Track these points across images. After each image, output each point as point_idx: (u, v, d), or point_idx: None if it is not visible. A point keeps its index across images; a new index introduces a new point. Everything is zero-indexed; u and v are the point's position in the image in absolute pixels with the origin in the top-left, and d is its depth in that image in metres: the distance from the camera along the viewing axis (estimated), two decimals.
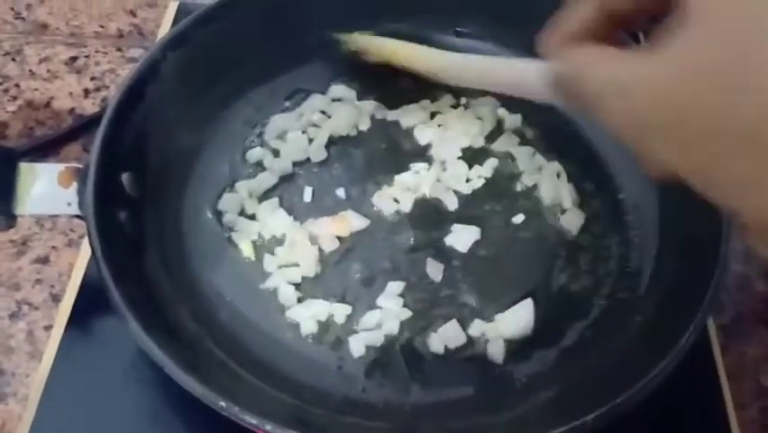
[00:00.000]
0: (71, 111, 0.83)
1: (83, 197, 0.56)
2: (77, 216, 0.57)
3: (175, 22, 0.84)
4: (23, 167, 0.57)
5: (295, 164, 0.70)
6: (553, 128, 0.72)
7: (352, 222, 0.65)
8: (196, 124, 0.70)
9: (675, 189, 0.61)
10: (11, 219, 0.57)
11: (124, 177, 0.61)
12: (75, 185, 0.57)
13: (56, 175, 0.57)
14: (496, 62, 0.62)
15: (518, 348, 0.60)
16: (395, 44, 0.69)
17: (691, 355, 0.52)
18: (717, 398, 0.62)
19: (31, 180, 0.57)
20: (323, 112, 0.73)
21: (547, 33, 0.43)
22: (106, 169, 0.58)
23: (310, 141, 0.71)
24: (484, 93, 0.72)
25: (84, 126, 0.80)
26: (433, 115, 0.73)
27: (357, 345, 0.59)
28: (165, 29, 0.83)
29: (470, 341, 0.60)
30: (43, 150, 0.78)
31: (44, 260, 0.71)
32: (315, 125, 0.72)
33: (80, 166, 0.58)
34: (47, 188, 0.57)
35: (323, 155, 0.70)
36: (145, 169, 0.63)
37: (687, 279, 0.58)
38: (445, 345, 0.59)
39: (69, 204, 0.57)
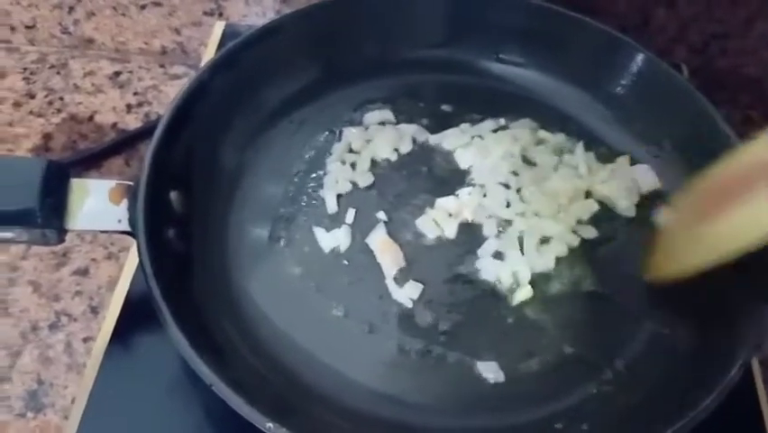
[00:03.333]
0: (114, 125, 0.84)
1: (133, 214, 0.57)
2: (127, 233, 0.57)
3: (221, 42, 0.85)
4: (75, 183, 0.58)
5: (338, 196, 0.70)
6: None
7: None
8: (241, 144, 0.71)
9: None
10: (62, 234, 0.57)
11: (173, 195, 0.62)
12: (125, 202, 0.58)
13: (107, 191, 0.58)
14: None
15: (558, 380, 0.60)
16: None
17: (734, 390, 0.52)
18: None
19: (82, 196, 0.57)
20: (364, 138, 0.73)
21: None
22: (156, 187, 0.59)
23: (353, 166, 0.71)
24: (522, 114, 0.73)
25: (126, 141, 0.82)
26: (473, 138, 0.74)
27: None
28: (211, 49, 0.84)
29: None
30: (86, 163, 0.79)
31: (84, 272, 0.71)
32: (353, 151, 0.73)
33: (131, 183, 0.58)
34: (98, 205, 0.58)
35: (369, 180, 0.71)
36: (192, 187, 0.64)
37: (730, 315, 0.58)
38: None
39: (120, 221, 0.57)
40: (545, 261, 0.65)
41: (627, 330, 0.63)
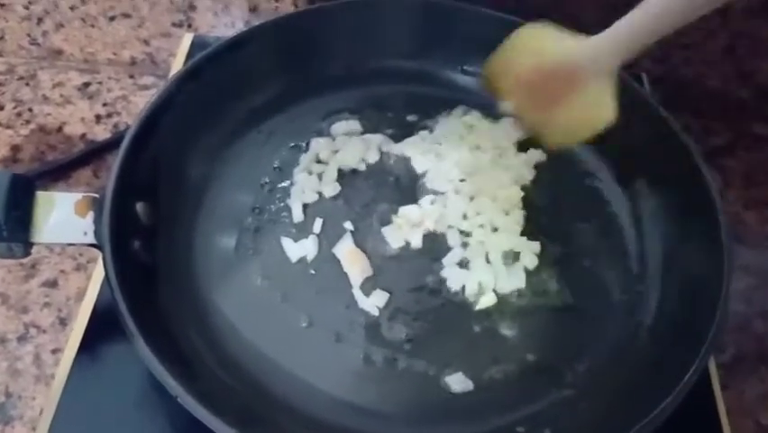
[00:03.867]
0: (83, 136, 0.84)
1: (99, 226, 0.57)
2: (93, 246, 0.57)
3: (189, 53, 0.85)
4: (41, 195, 0.58)
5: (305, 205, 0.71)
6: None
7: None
8: (208, 155, 0.71)
9: (678, 237, 0.64)
10: (28, 247, 0.57)
11: (139, 206, 0.62)
12: (91, 214, 0.58)
13: (73, 204, 0.58)
14: None
15: (522, 387, 0.60)
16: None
17: (692, 394, 0.53)
18: None
19: (48, 209, 0.58)
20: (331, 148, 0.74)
21: None
22: (122, 198, 0.59)
23: (319, 176, 0.72)
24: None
25: (95, 152, 0.82)
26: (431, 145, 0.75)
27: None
28: (180, 60, 0.84)
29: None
30: (54, 174, 0.79)
31: (53, 283, 0.71)
32: (321, 162, 0.73)
33: (97, 196, 0.59)
34: (64, 217, 0.58)
35: (336, 190, 0.71)
36: (159, 198, 0.64)
37: (689, 321, 0.59)
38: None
39: (86, 233, 0.57)
40: (517, 279, 0.66)
41: (588, 336, 0.64)
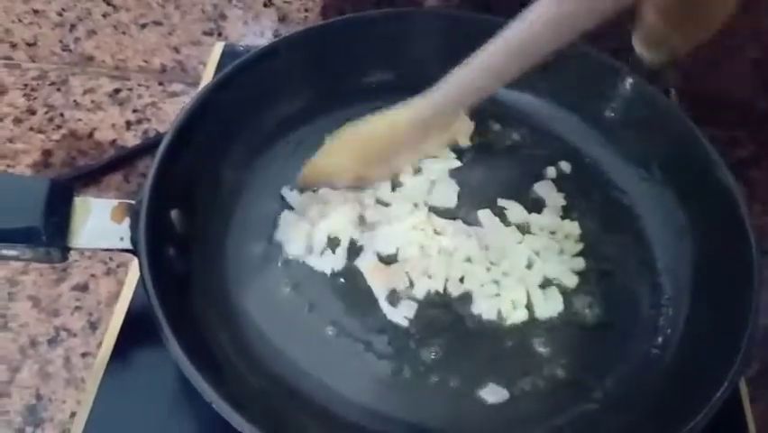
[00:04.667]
0: (113, 142, 0.85)
1: (135, 232, 0.58)
2: (129, 251, 0.58)
3: (219, 61, 0.86)
4: (78, 201, 0.59)
5: None
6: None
7: None
8: (240, 164, 0.71)
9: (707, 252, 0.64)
10: (65, 252, 0.58)
11: (173, 213, 0.63)
12: (127, 220, 0.59)
13: (109, 210, 0.59)
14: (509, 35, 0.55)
15: (549, 400, 0.61)
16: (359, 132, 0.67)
17: (721, 409, 0.53)
18: None
19: (85, 215, 0.58)
20: None
21: None
22: (157, 206, 0.60)
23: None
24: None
25: (125, 157, 0.83)
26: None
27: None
28: (210, 68, 0.85)
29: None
30: (85, 179, 0.80)
31: (83, 287, 0.72)
32: None
33: (133, 202, 0.59)
34: (100, 223, 0.59)
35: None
36: (193, 206, 0.65)
37: (719, 337, 0.59)
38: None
39: (122, 238, 0.58)
40: (554, 304, 0.66)
41: (617, 351, 0.64)
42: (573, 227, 0.70)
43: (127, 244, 0.58)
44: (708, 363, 0.58)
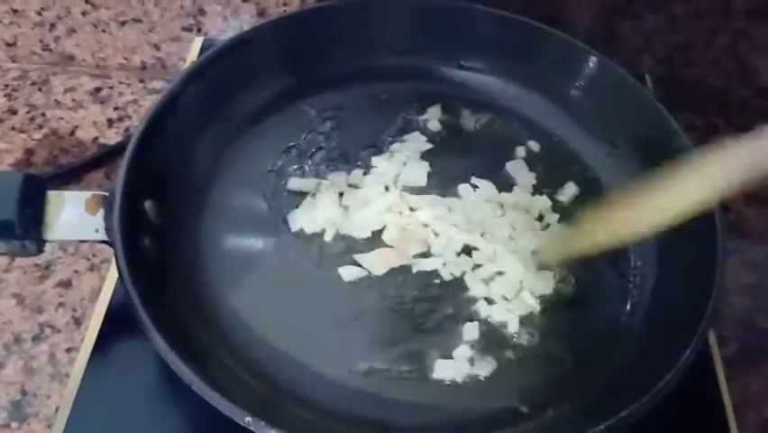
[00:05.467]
0: (95, 140, 0.85)
1: (110, 223, 0.58)
2: (104, 242, 0.59)
3: (200, 56, 0.86)
4: (52, 194, 0.59)
5: None
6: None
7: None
8: (214, 153, 0.72)
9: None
10: (40, 244, 0.58)
11: (147, 204, 0.63)
12: (101, 212, 0.59)
13: (83, 202, 0.59)
14: None
15: (511, 373, 0.62)
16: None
17: (698, 387, 0.55)
18: (724, 429, 0.63)
19: (59, 207, 0.59)
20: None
21: None
22: (131, 196, 0.60)
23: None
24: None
25: (107, 155, 0.83)
26: None
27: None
28: (190, 63, 0.85)
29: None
30: (67, 177, 0.80)
31: (67, 284, 0.72)
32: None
33: (107, 194, 0.60)
34: (75, 215, 0.59)
35: None
36: (167, 196, 0.66)
37: (685, 301, 0.61)
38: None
39: (97, 230, 0.59)
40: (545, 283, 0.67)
41: (588, 321, 0.66)
42: (545, 202, 0.72)
43: (102, 236, 0.59)
44: (675, 327, 0.59)
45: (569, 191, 0.73)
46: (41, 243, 0.58)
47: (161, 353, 0.52)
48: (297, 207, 0.70)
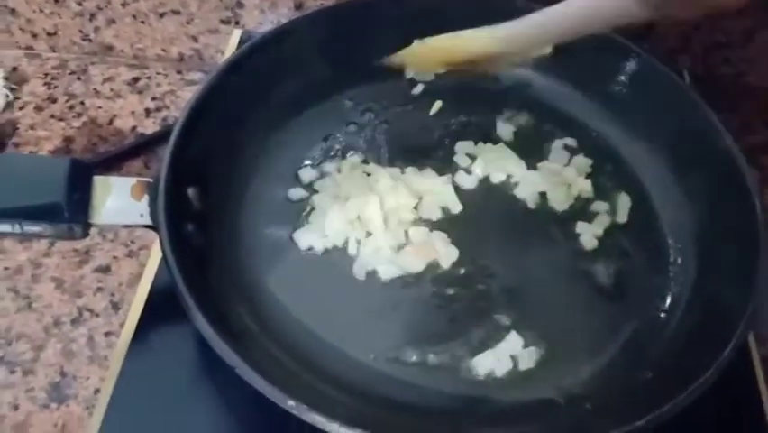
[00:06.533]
0: (133, 129, 0.86)
1: (154, 208, 0.59)
2: (149, 227, 0.60)
3: (238, 49, 0.87)
4: (98, 180, 0.60)
5: None
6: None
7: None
8: (253, 143, 0.73)
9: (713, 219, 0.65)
10: (86, 228, 0.60)
11: (190, 191, 0.64)
12: (146, 198, 0.60)
13: (129, 188, 0.60)
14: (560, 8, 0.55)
15: (552, 366, 0.62)
16: (439, 42, 0.64)
17: (737, 386, 0.56)
18: (762, 428, 0.64)
19: (105, 193, 0.60)
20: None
21: None
22: (174, 183, 0.61)
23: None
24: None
25: (145, 144, 0.84)
26: None
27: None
28: (229, 54, 0.86)
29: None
30: (106, 165, 0.81)
31: (106, 269, 0.74)
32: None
33: (151, 180, 0.61)
34: (121, 200, 0.60)
35: None
36: (209, 184, 0.67)
37: (727, 302, 0.60)
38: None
39: (142, 215, 0.60)
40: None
41: (626, 315, 0.66)
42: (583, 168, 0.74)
43: (147, 221, 0.60)
44: (715, 325, 0.59)
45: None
46: (87, 226, 0.59)
47: (205, 335, 0.53)
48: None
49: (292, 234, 0.69)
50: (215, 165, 0.69)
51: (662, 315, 0.65)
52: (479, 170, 0.74)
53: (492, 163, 0.74)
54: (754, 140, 0.89)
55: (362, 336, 0.63)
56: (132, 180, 0.61)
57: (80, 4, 0.91)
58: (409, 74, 0.78)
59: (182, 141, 0.64)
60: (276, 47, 0.74)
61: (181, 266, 0.56)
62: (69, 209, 0.58)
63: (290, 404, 0.50)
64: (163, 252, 0.57)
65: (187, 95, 0.90)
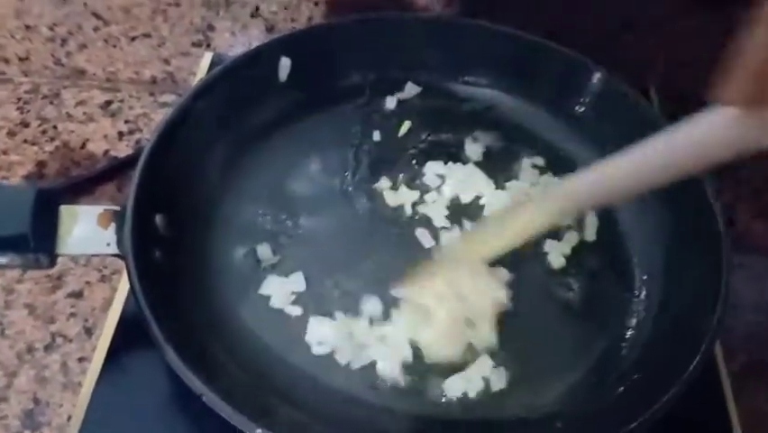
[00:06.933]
0: (106, 153, 0.87)
1: (121, 237, 0.59)
2: (116, 255, 0.60)
3: (209, 72, 0.87)
4: (64, 209, 0.60)
5: None
6: None
7: None
8: (223, 168, 0.73)
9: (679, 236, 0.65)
10: (53, 258, 0.59)
11: (158, 218, 0.64)
12: (113, 226, 0.60)
13: (95, 217, 0.60)
14: (651, 148, 0.54)
15: (523, 385, 0.62)
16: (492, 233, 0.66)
17: (705, 402, 0.57)
18: None
19: (71, 222, 0.60)
20: None
21: (728, 76, 0.43)
22: (142, 210, 0.61)
23: None
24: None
25: (118, 168, 0.84)
26: None
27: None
28: (199, 78, 0.86)
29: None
30: (78, 189, 0.81)
31: (78, 294, 0.74)
32: None
33: (118, 208, 0.61)
34: (87, 230, 0.60)
35: None
36: (177, 210, 0.66)
37: (693, 317, 0.61)
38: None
39: (109, 244, 0.60)
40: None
41: (595, 335, 0.66)
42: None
43: (114, 249, 0.60)
44: (682, 340, 0.60)
45: None
46: (53, 256, 0.59)
47: (172, 365, 0.53)
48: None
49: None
50: (184, 190, 0.68)
51: (630, 332, 0.66)
52: (448, 190, 0.74)
53: (461, 183, 0.75)
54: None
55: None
56: (100, 209, 0.61)
57: (52, 29, 0.91)
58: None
59: (150, 167, 0.64)
60: (245, 70, 0.75)
61: (149, 295, 0.56)
62: (36, 240, 0.57)
63: (258, 432, 0.50)
64: (130, 281, 0.57)
65: (160, 117, 0.90)
